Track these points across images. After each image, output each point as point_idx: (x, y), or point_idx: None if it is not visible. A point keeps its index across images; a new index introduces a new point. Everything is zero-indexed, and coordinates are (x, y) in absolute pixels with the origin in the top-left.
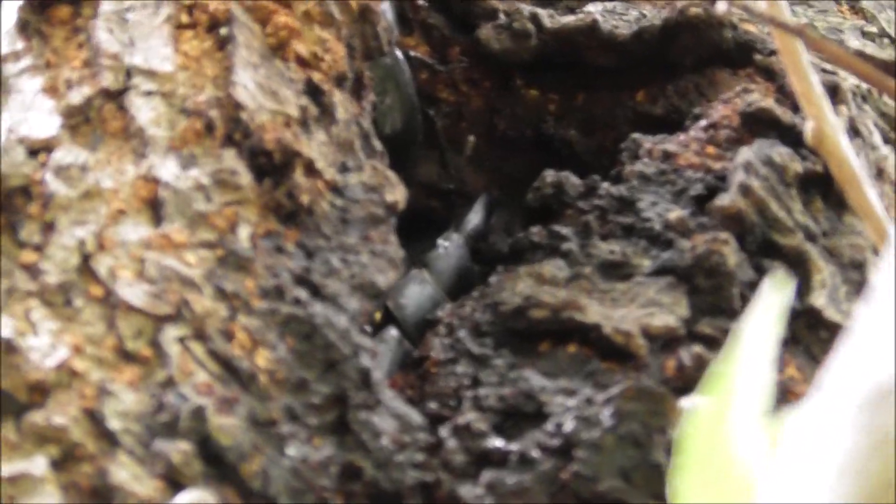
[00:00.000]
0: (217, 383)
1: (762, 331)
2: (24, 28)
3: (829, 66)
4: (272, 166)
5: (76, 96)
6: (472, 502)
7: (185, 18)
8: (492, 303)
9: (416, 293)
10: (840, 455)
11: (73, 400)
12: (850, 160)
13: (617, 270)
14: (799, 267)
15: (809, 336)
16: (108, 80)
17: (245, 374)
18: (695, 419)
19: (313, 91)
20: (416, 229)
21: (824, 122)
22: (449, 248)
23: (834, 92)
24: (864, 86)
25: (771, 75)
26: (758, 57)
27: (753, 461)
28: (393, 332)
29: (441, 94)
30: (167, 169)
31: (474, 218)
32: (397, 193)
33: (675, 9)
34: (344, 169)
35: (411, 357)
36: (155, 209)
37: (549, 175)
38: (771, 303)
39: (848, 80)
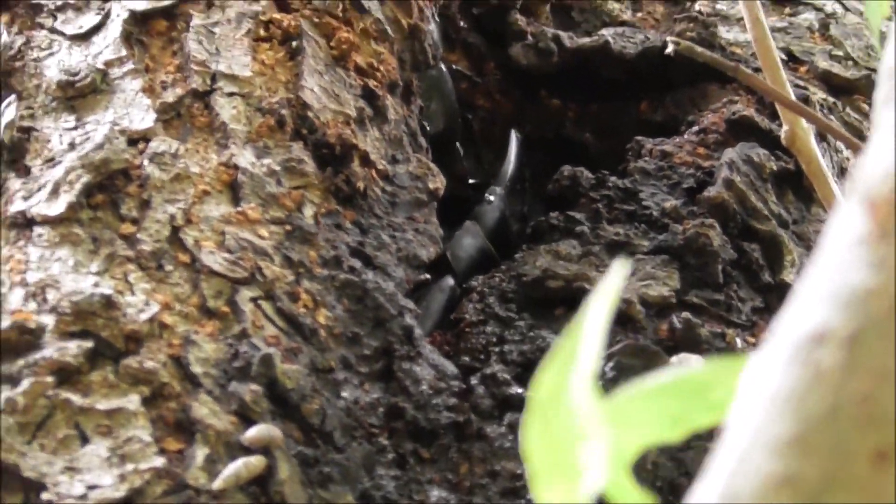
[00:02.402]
0: (283, 336)
1: (601, 307)
2: (127, 38)
3: (800, 82)
4: (333, 157)
5: (170, 96)
6: (496, 438)
7: (262, 32)
8: (516, 274)
9: (470, 246)
10: (782, 390)
11: (162, 348)
12: (818, 158)
13: (621, 249)
14: (773, 249)
15: (781, 306)
16: (197, 82)
17: (307, 329)
18: (542, 380)
19: (369, 95)
20: (455, 212)
21: (797, 125)
22: (494, 201)
23: (805, 102)
24: (831, 98)
25: (752, 89)
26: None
27: (588, 414)
28: (449, 280)
29: (478, 101)
30: (245, 157)
31: (508, 167)
32: (438, 182)
33: (674, 32)
34: (394, 161)
35: (449, 319)
36: (234, 191)
37: (566, 170)
38: (611, 285)
39: (817, 94)
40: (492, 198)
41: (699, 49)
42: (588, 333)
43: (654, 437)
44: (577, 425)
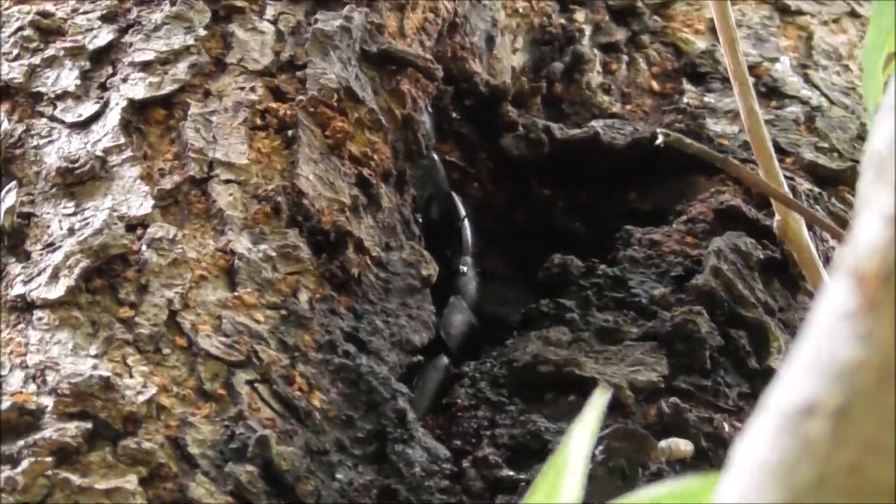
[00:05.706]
0: (279, 418)
1: (583, 436)
2: (125, 126)
3: (787, 173)
4: (328, 244)
5: (167, 183)
6: None
7: (258, 121)
8: (507, 360)
9: (459, 322)
10: (771, 460)
11: (159, 429)
12: (810, 248)
13: (610, 336)
14: (759, 335)
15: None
16: (194, 169)
17: (302, 411)
18: None
19: (363, 184)
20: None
21: (790, 216)
22: (468, 272)
23: (793, 193)
24: (816, 189)
25: (739, 180)
26: None
27: None
28: (444, 360)
29: (470, 190)
30: (241, 243)
31: (467, 233)
32: (431, 269)
33: (662, 124)
34: (387, 248)
35: (441, 403)
36: (230, 276)
37: (557, 258)
38: (591, 415)
39: (804, 185)
40: (465, 268)
41: (688, 140)
42: (572, 462)
43: None
44: None
